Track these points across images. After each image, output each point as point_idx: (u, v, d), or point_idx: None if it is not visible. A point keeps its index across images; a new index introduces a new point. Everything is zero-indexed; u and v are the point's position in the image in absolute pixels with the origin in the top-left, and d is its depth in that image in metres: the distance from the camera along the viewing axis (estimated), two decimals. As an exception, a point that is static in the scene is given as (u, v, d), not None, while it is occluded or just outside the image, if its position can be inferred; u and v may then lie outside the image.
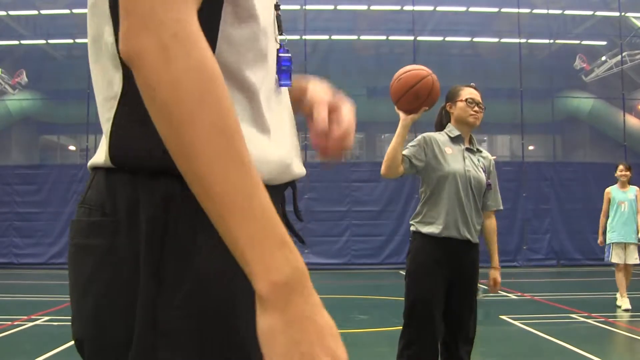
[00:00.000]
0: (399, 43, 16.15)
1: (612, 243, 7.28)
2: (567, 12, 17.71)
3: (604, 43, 17.69)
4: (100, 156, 0.84)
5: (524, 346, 5.52)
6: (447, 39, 16.47)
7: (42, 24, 17.09)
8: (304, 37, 14.27)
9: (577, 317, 7.08)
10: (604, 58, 17.26)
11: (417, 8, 14.91)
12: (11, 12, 16.34)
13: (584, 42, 17.95)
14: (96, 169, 0.86)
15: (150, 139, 0.74)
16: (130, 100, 0.79)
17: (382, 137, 21.95)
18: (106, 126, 0.84)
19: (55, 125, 18.64)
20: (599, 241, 7.52)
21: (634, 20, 16.65)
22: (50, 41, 17.05)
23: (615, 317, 6.65)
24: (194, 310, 0.75)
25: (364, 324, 6.74)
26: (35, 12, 16.64)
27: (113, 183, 0.82)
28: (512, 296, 8.82)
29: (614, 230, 7.29)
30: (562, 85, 18.05)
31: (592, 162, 15.15)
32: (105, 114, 0.84)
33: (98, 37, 0.83)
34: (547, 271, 11.95)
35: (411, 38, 14.43)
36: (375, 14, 16.64)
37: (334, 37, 16.32)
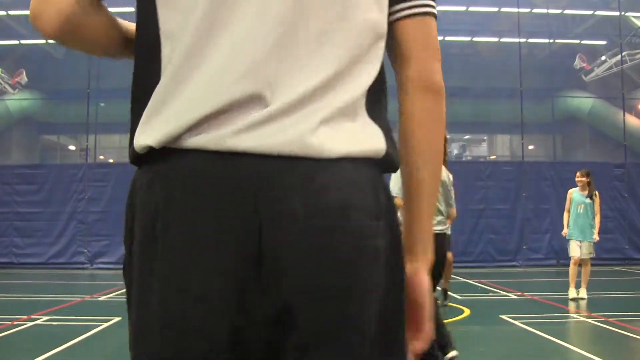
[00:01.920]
0: (399, 43, 16.13)
1: (570, 240, 8.20)
2: (567, 11, 17.71)
3: (604, 43, 17.70)
4: (370, 146, 0.87)
5: (524, 346, 5.52)
6: (447, 38, 16.47)
7: (42, 24, 17.05)
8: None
9: (577, 317, 7.08)
10: (603, 58, 17.27)
11: (417, 8, 14.87)
12: (11, 12, 16.35)
13: (583, 42, 17.96)
14: (351, 160, 0.84)
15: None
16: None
17: (382, 136, 21.97)
18: (381, 119, 0.90)
19: (55, 125, 18.67)
20: (562, 232, 8.41)
21: (634, 20, 16.66)
22: (50, 41, 17.03)
23: (615, 317, 6.66)
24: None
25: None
26: (35, 12, 16.61)
27: (377, 183, 0.87)
28: (512, 296, 8.82)
29: (572, 228, 8.17)
30: (562, 85, 18.07)
31: (592, 161, 15.15)
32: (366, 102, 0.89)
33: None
34: (547, 271, 11.95)
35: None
36: (375, 13, 16.63)
37: (334, 37, 16.30)
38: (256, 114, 0.80)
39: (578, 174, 8.33)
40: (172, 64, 0.85)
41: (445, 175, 4.67)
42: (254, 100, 0.81)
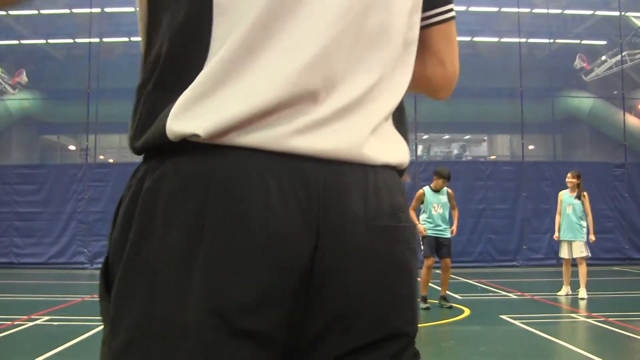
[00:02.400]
0: (399, 43, 16.14)
1: (560, 240, 8.49)
2: (567, 11, 17.71)
3: (604, 42, 17.69)
4: (400, 156, 0.89)
5: (524, 346, 5.52)
6: (447, 38, 16.45)
7: (42, 24, 17.08)
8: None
9: (577, 317, 7.08)
10: (604, 57, 17.27)
11: (417, 8, 14.88)
12: (11, 12, 16.34)
13: (584, 42, 17.95)
14: (389, 167, 0.87)
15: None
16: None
17: (382, 136, 21.96)
18: (404, 129, 0.93)
19: (55, 125, 18.66)
20: (554, 236, 8.66)
21: (634, 20, 16.65)
22: (50, 41, 17.06)
23: (615, 317, 6.66)
24: None
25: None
26: (35, 12, 16.63)
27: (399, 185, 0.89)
28: (512, 296, 8.82)
29: (562, 229, 8.43)
30: (562, 84, 18.07)
31: (592, 161, 15.15)
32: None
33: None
34: (547, 271, 11.94)
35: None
36: (375, 13, 16.63)
37: (334, 36, 16.30)
38: (314, 115, 0.78)
39: (569, 175, 8.56)
40: (227, 47, 0.77)
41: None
42: (310, 97, 0.78)
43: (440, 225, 7.45)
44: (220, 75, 0.77)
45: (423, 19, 0.95)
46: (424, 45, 0.97)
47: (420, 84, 1.01)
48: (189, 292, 0.74)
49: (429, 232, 7.41)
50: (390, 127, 0.88)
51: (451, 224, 7.62)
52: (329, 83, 0.79)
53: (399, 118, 0.91)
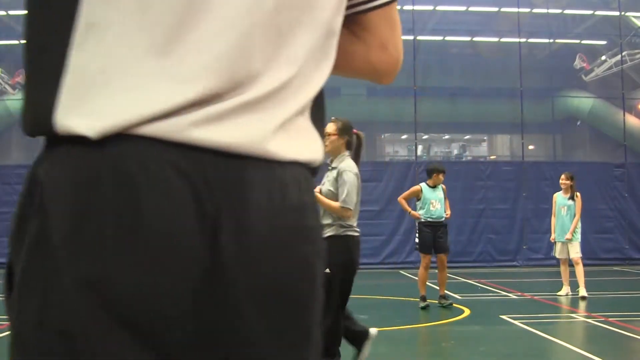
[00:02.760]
0: (399, 43, 16.14)
1: (555, 242, 8.57)
2: (567, 11, 17.72)
3: (604, 42, 17.70)
4: (311, 153, 0.84)
5: (524, 346, 5.52)
6: (447, 38, 16.49)
7: (42, 24, 17.08)
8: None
9: (577, 317, 7.09)
10: (603, 57, 17.28)
11: (417, 8, 14.91)
12: (11, 12, 16.36)
13: (584, 42, 17.97)
14: (298, 164, 0.81)
15: None
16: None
17: (382, 137, 21.98)
18: (319, 124, 0.88)
19: (55, 125, 18.66)
20: (551, 238, 8.75)
21: (634, 20, 16.66)
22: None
23: (615, 317, 6.66)
24: None
25: (364, 323, 6.74)
26: (35, 11, 16.63)
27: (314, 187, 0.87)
28: (512, 296, 8.82)
29: (556, 231, 8.54)
30: (562, 84, 18.08)
31: (592, 161, 15.16)
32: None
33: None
34: (547, 271, 11.94)
35: (411, 38, 14.43)
36: (375, 13, 16.64)
37: (334, 37, 16.31)
38: (217, 107, 0.73)
39: (563, 176, 8.69)
40: (112, 29, 0.71)
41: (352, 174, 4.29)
42: (216, 92, 0.73)
43: (438, 219, 7.56)
44: (107, 64, 0.72)
45: (363, 3, 0.93)
46: (366, 30, 0.96)
47: (364, 70, 1.01)
48: (68, 282, 0.69)
49: (427, 228, 7.51)
50: (304, 122, 0.83)
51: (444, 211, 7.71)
52: (237, 78, 0.75)
53: (316, 112, 0.87)
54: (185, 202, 0.71)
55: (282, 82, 0.78)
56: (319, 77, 0.85)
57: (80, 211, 0.70)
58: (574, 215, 8.41)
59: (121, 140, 0.70)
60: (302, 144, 0.81)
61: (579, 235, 8.40)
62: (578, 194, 8.52)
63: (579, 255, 8.29)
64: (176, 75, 0.72)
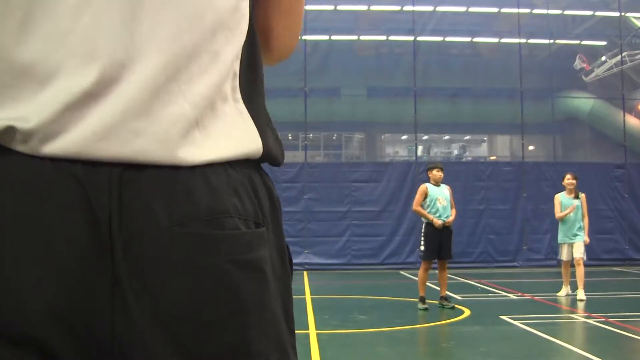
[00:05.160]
0: (399, 43, 16.16)
1: (561, 243, 8.41)
2: (567, 12, 17.71)
3: (604, 43, 17.70)
4: (245, 147, 0.74)
5: (524, 346, 5.52)
6: (447, 39, 16.46)
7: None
8: (304, 37, 14.28)
9: (577, 318, 7.08)
10: (603, 58, 17.27)
11: (417, 8, 14.91)
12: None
13: (584, 42, 17.95)
14: (221, 164, 0.71)
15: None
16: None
17: (382, 137, 21.96)
18: (255, 105, 0.78)
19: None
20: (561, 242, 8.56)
21: (634, 20, 16.66)
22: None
23: (615, 317, 6.66)
24: None
25: (363, 324, 6.74)
26: (35, 12, 16.64)
27: (256, 183, 0.77)
28: (512, 296, 8.82)
29: (561, 232, 8.38)
30: (562, 85, 18.05)
31: (592, 162, 15.15)
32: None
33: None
34: (547, 271, 11.95)
35: (411, 38, 14.44)
36: (375, 14, 16.65)
37: (334, 37, 16.33)
38: (100, 116, 0.65)
39: (568, 176, 8.49)
40: None
41: None
42: (93, 93, 0.66)
43: (446, 218, 7.51)
44: None
45: None
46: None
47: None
48: None
49: (434, 232, 7.45)
50: (231, 109, 0.72)
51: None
52: (115, 69, 0.66)
53: (250, 93, 0.76)
54: (74, 209, 0.65)
55: (169, 63, 0.67)
56: (227, 49, 0.72)
57: None
58: (582, 216, 8.26)
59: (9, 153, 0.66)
60: (223, 138, 0.71)
61: (585, 237, 8.29)
62: (582, 194, 8.40)
63: (582, 255, 8.19)
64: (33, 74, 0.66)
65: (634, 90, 17.46)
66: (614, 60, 16.47)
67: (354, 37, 17.08)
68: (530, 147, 19.98)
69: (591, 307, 7.57)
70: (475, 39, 17.66)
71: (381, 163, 16.08)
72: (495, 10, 16.72)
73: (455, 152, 24.10)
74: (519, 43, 14.80)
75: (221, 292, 0.68)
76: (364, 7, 16.30)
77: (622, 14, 15.73)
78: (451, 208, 7.73)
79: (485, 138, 24.95)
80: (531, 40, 16.78)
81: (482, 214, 13.02)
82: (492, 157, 22.24)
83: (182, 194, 0.67)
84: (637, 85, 17.68)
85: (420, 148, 19.97)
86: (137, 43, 0.66)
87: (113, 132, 0.65)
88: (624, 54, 15.74)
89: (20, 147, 0.66)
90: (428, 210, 7.50)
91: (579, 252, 8.17)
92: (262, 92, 0.80)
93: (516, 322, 6.48)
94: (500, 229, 13.08)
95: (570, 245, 8.24)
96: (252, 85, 0.77)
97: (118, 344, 0.65)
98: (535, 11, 16.77)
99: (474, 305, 7.73)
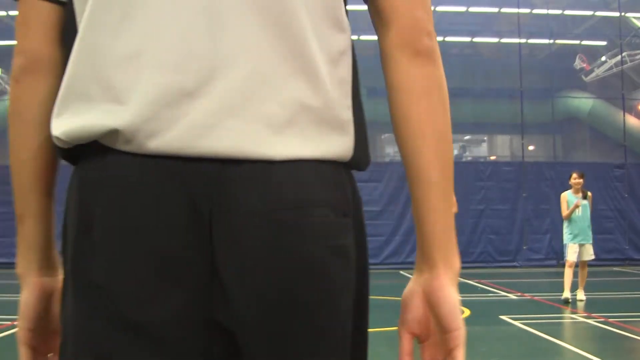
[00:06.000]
0: (399, 43, 16.16)
1: (569, 244, 8.06)
2: (567, 12, 17.72)
3: (604, 43, 17.71)
4: (335, 149, 0.76)
5: (524, 346, 5.52)
6: (447, 39, 16.47)
7: (42, 24, 17.09)
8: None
9: (577, 318, 7.08)
10: (603, 58, 17.29)
11: (417, 8, 14.90)
12: (11, 12, 16.35)
13: (584, 42, 17.97)
14: (309, 161, 0.74)
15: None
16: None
17: (382, 137, 21.95)
18: (347, 113, 0.78)
19: (55, 125, 18.68)
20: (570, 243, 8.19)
21: (634, 20, 16.67)
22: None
23: (615, 317, 6.66)
24: None
25: (364, 324, 6.73)
26: (35, 12, 16.64)
27: (343, 179, 0.79)
28: (512, 296, 8.82)
29: (571, 232, 8.05)
30: (562, 85, 18.07)
31: (592, 162, 15.16)
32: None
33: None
34: (547, 271, 11.95)
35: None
36: (375, 14, 16.65)
37: (334, 37, 16.32)
38: (196, 114, 0.69)
39: (575, 175, 8.26)
40: (82, 27, 0.73)
41: None
42: (190, 92, 0.69)
43: None
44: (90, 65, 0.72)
45: None
46: (372, 5, 0.84)
47: (381, 55, 0.84)
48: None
49: None
50: (320, 111, 0.74)
51: None
52: (208, 71, 0.70)
53: (344, 95, 0.78)
54: (178, 208, 0.69)
55: (266, 65, 0.71)
56: (324, 51, 0.75)
57: (80, 216, 0.73)
58: (589, 216, 8.07)
59: (99, 153, 0.72)
60: (313, 139, 0.74)
61: (591, 238, 8.09)
62: (589, 193, 8.23)
63: (592, 258, 7.99)
64: (134, 69, 0.71)
65: (634, 90, 17.46)
66: (614, 60, 16.48)
67: (354, 37, 16.90)
68: (530, 147, 19.99)
69: (591, 307, 7.57)
70: (475, 39, 17.68)
71: (381, 163, 16.07)
72: (495, 10, 16.73)
73: (455, 151, 24.10)
74: (519, 43, 14.81)
75: (313, 275, 0.71)
76: (363, 7, 16.26)
77: (622, 14, 15.74)
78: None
79: (485, 138, 24.96)
80: (531, 40, 16.80)
81: (482, 213, 13.02)
82: (492, 157, 22.25)
83: (276, 185, 0.71)
84: (637, 85, 17.68)
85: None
86: (229, 45, 0.70)
87: (211, 129, 0.69)
88: (624, 54, 15.75)
89: (124, 147, 0.70)
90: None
91: (589, 255, 7.93)
92: (358, 94, 0.81)
93: (516, 322, 6.48)
94: (500, 228, 13.08)
95: (578, 246, 7.97)
96: (347, 87, 0.79)
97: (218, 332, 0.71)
98: (535, 11, 16.79)
99: (474, 305, 7.73)
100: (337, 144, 0.76)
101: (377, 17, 0.83)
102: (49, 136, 0.76)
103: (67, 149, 0.74)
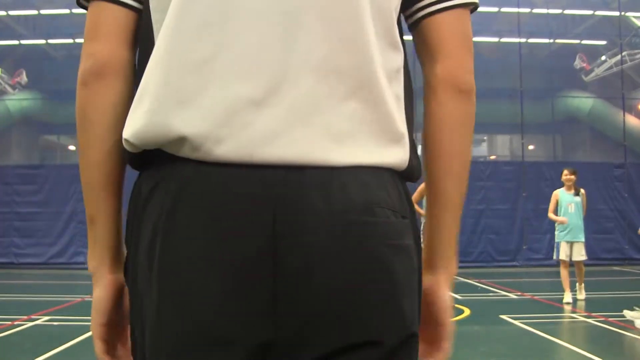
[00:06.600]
0: (399, 43, 16.16)
1: (560, 242, 7.87)
2: (567, 11, 17.72)
3: (604, 43, 17.70)
4: (392, 158, 0.81)
5: (524, 346, 5.52)
6: (447, 38, 16.45)
7: (42, 24, 17.09)
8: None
9: (577, 317, 7.08)
10: (603, 58, 17.28)
11: (417, 8, 14.90)
12: (11, 12, 16.35)
13: (584, 42, 17.96)
14: (368, 168, 0.79)
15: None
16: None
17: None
18: (403, 126, 0.83)
19: (55, 125, 18.65)
20: (562, 240, 8.02)
21: (634, 20, 16.66)
22: (50, 41, 17.06)
23: (615, 317, 6.66)
24: None
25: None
26: (35, 12, 16.64)
27: (399, 186, 0.84)
28: (512, 296, 8.82)
29: (563, 230, 7.87)
30: (562, 85, 18.07)
31: (592, 162, 15.15)
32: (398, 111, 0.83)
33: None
34: (547, 271, 11.94)
35: (411, 38, 14.44)
36: (375, 13, 16.64)
37: (334, 37, 16.31)
38: (264, 123, 0.73)
39: (566, 171, 8.12)
40: (160, 36, 0.78)
41: None
42: (258, 101, 0.73)
43: None
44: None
45: (422, 8, 0.90)
46: (421, 39, 0.91)
47: (424, 86, 0.90)
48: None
49: None
50: (381, 124, 0.79)
51: None
52: (279, 80, 0.74)
53: (401, 110, 0.84)
54: (247, 211, 0.73)
55: (331, 77, 0.76)
56: (385, 67, 0.80)
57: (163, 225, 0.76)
58: (581, 214, 7.87)
59: (172, 160, 0.76)
60: (372, 148, 0.79)
61: (583, 236, 7.89)
62: (582, 190, 8.04)
63: (584, 258, 7.83)
64: (209, 76, 0.75)
65: (634, 90, 17.46)
66: (613, 60, 16.47)
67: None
68: (530, 147, 19.99)
69: (591, 306, 7.56)
70: (475, 39, 17.54)
71: (381, 163, 16.07)
72: (495, 9, 16.72)
73: (455, 151, 24.09)
74: (519, 42, 14.80)
75: (379, 273, 0.75)
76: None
77: (622, 13, 15.73)
78: None
79: (485, 138, 24.96)
80: (531, 40, 16.80)
81: (482, 213, 13.02)
82: (492, 157, 22.25)
83: (339, 189, 0.75)
84: (637, 85, 17.68)
85: (420, 148, 19.96)
86: (296, 59, 0.74)
87: (277, 137, 0.73)
88: (623, 54, 15.74)
89: (190, 154, 0.74)
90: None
91: (579, 255, 7.79)
92: (411, 111, 0.86)
93: (516, 322, 6.48)
94: (500, 228, 13.08)
95: (570, 245, 7.85)
96: (404, 102, 0.85)
97: (282, 338, 0.74)
98: (535, 10, 16.78)
99: (474, 304, 7.73)
100: (394, 154, 0.81)
101: (425, 49, 0.90)
102: (118, 139, 0.81)
103: (135, 154, 0.79)
